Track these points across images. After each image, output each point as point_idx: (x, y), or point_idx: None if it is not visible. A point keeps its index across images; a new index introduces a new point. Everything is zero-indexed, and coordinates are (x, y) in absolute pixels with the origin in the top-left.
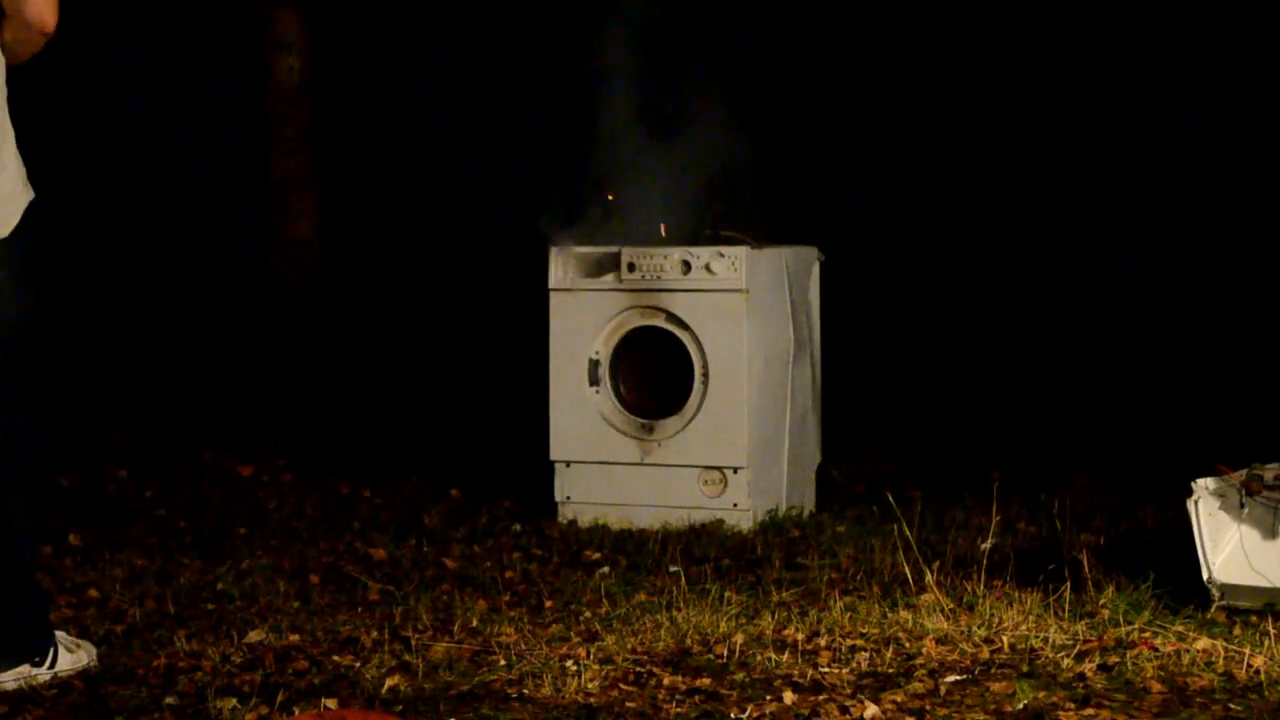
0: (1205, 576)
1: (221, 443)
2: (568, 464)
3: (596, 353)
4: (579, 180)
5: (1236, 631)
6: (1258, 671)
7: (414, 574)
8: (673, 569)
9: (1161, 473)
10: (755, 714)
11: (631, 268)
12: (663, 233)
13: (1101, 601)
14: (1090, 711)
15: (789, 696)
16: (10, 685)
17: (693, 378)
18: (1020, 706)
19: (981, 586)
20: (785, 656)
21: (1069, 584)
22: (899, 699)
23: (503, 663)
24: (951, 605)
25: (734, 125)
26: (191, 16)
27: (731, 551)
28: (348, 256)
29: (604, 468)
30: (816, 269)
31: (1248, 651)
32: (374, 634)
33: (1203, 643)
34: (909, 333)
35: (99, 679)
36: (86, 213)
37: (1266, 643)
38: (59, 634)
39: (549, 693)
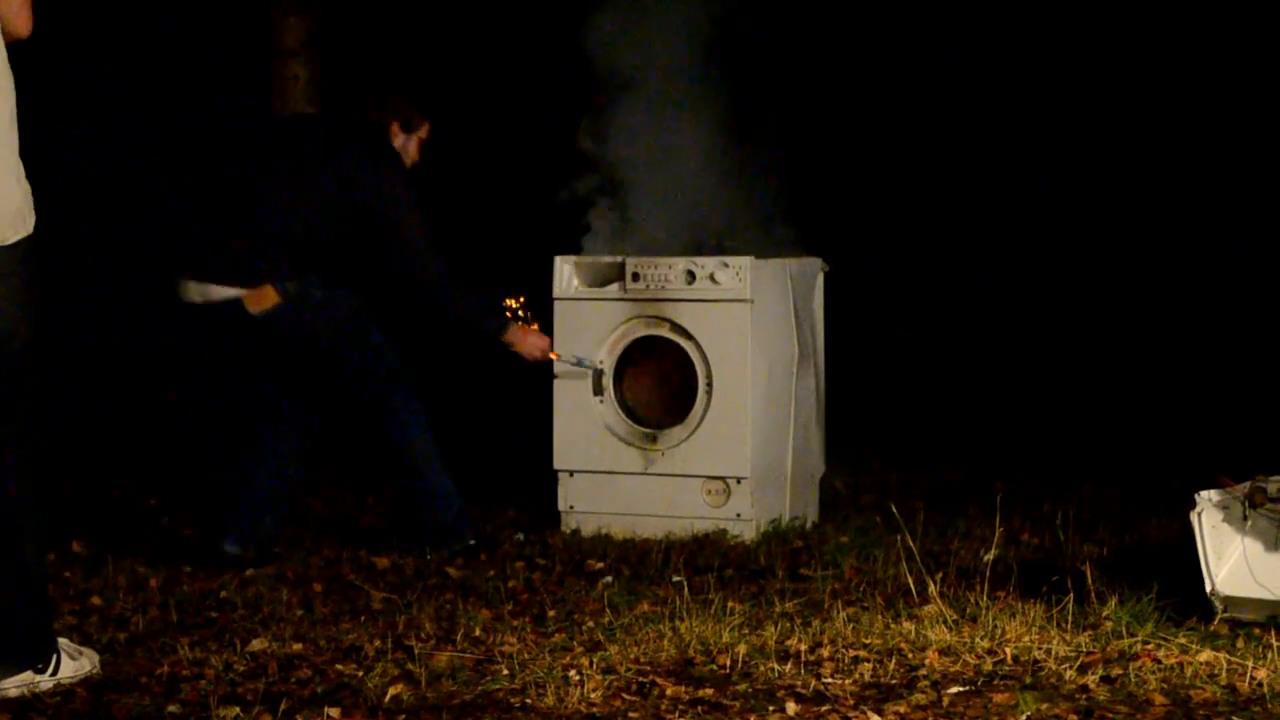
0: (1208, 589)
1: (222, 446)
2: (571, 473)
3: (600, 362)
4: (584, 189)
5: (1240, 644)
6: (1261, 684)
7: (417, 583)
8: (676, 579)
9: (1165, 484)
10: None
11: (636, 277)
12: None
13: (1105, 613)
14: None
15: (792, 707)
16: (13, 692)
17: (696, 387)
18: (1023, 718)
19: (985, 598)
20: (788, 667)
21: (1072, 595)
22: (902, 710)
23: (506, 672)
24: (954, 616)
25: (740, 135)
26: (197, 22)
27: (735, 561)
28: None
29: (608, 477)
30: (820, 279)
31: (1250, 664)
32: (377, 643)
33: (1206, 655)
34: (913, 343)
35: (102, 687)
36: (88, 218)
37: (1270, 655)
38: (62, 641)
39: (552, 702)
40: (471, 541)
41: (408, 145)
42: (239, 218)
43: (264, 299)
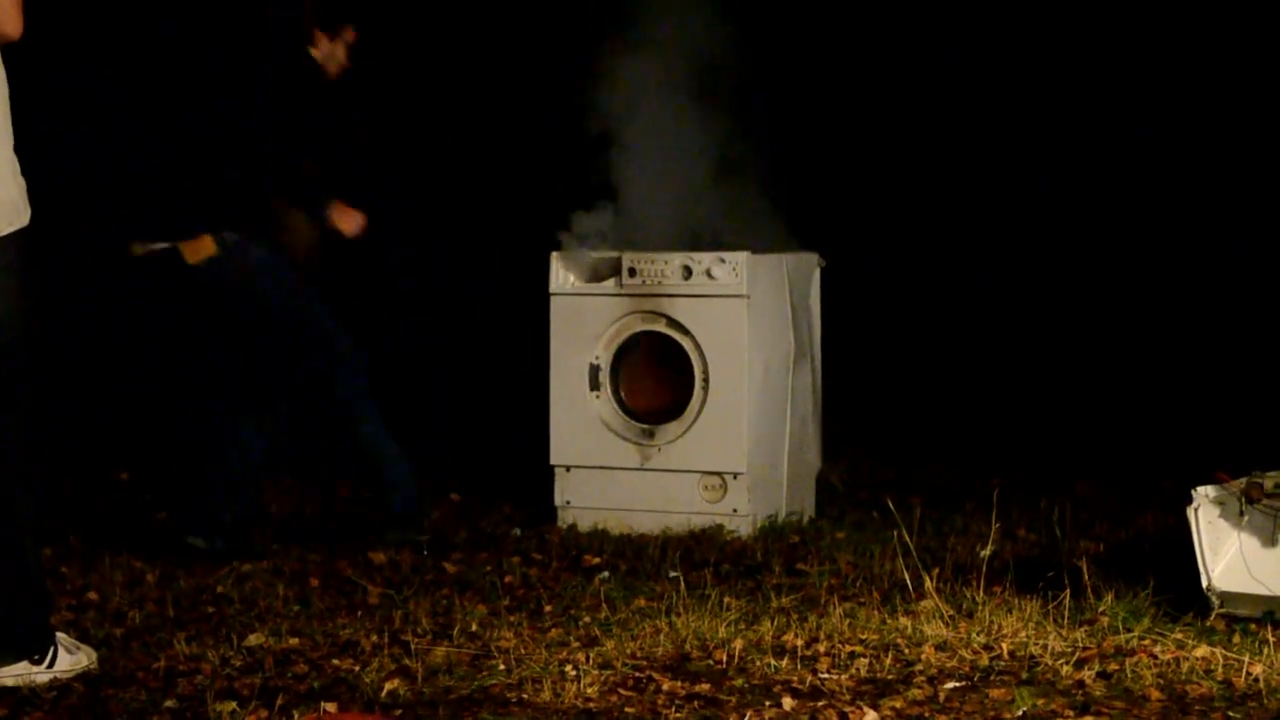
0: (1205, 584)
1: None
2: (568, 468)
3: (597, 357)
4: (580, 185)
5: (1235, 639)
6: (1256, 679)
7: (414, 578)
8: (672, 574)
9: (1162, 480)
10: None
11: (633, 273)
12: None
13: (1101, 609)
14: (1089, 719)
15: (788, 702)
16: (10, 682)
17: (693, 383)
18: (1019, 713)
19: (981, 593)
20: (784, 662)
21: (1068, 591)
22: (898, 705)
23: (502, 667)
24: (951, 612)
25: (735, 131)
26: (196, 26)
27: (731, 557)
28: (345, 258)
29: (604, 472)
30: (817, 275)
31: (1246, 659)
32: (373, 638)
33: (1202, 650)
34: (910, 339)
35: (99, 681)
36: (88, 219)
37: (1265, 650)
38: (60, 636)
39: (548, 698)
40: (422, 537)
41: (335, 51)
42: (175, 172)
43: (201, 249)
